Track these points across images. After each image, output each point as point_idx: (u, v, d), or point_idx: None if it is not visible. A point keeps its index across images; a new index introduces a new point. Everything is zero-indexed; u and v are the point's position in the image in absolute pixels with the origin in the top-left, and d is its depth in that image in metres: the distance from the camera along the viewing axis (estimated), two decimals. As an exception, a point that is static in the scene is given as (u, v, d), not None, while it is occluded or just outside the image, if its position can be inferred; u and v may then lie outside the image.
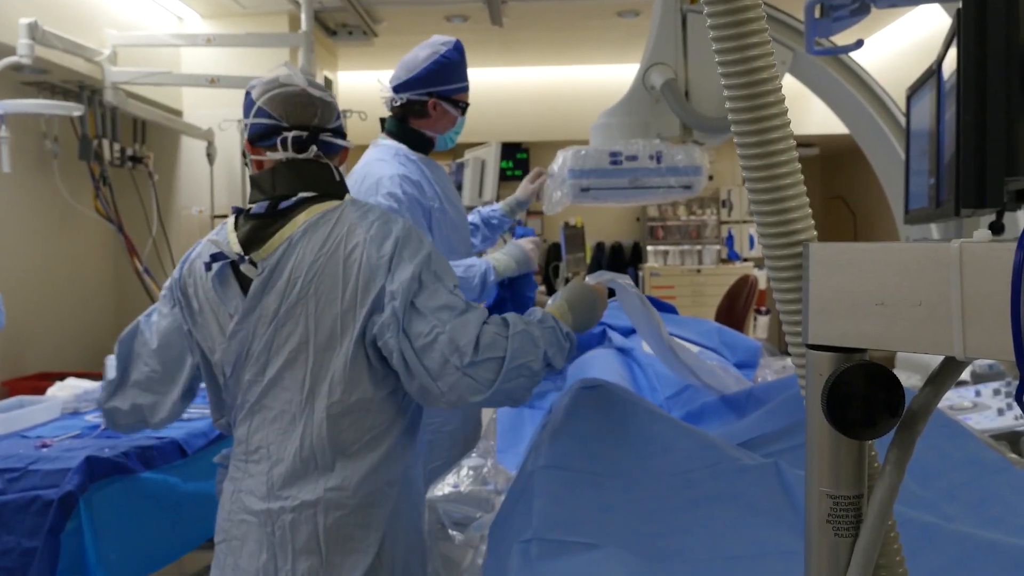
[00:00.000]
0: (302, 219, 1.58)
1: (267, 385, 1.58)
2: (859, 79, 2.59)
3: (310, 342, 1.55)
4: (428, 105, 2.47)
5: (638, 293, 1.89)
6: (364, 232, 1.56)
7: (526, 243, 2.62)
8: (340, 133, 1.70)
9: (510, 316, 1.58)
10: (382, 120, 2.59)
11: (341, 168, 1.72)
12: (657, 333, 1.94)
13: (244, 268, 1.57)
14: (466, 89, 2.54)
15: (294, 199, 1.60)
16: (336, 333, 1.55)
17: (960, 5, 1.34)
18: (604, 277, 1.82)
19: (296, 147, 1.61)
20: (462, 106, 2.52)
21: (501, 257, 2.55)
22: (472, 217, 3.00)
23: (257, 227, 1.59)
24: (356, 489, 1.55)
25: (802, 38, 2.40)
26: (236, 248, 1.59)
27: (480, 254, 3.00)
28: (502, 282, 2.58)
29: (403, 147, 2.50)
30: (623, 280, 1.84)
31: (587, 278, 1.84)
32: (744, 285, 5.88)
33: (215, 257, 1.59)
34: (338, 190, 1.66)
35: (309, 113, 1.64)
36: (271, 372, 1.57)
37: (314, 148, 1.63)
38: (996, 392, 2.39)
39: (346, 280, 1.54)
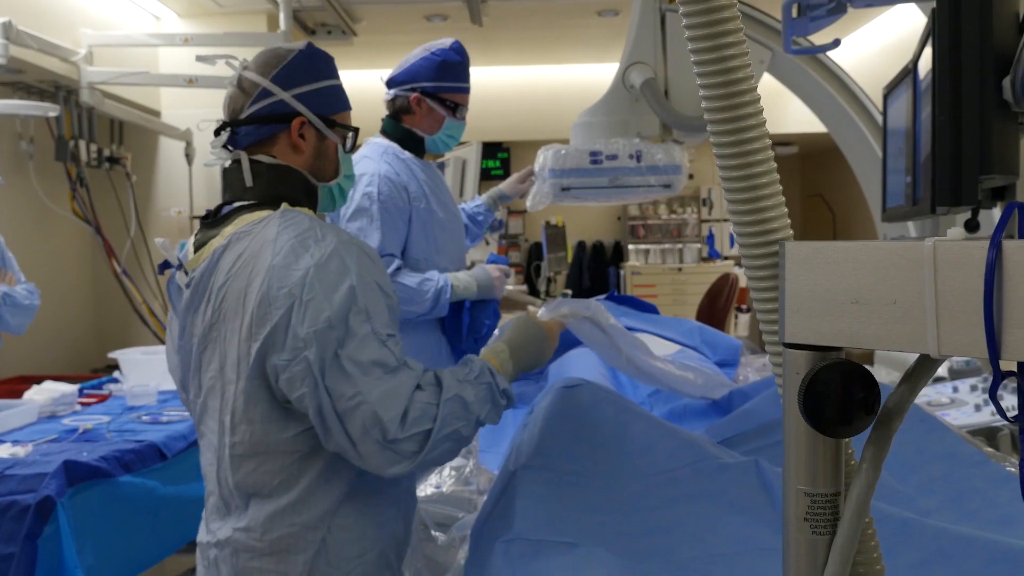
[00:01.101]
0: (229, 230, 1.42)
1: (200, 409, 1.46)
2: (836, 78, 2.61)
3: (222, 371, 1.40)
4: (412, 100, 2.46)
5: (605, 322, 1.76)
6: (271, 255, 1.34)
7: (493, 269, 2.55)
8: (253, 119, 1.46)
9: (445, 376, 1.39)
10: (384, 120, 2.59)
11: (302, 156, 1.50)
12: (621, 358, 1.83)
13: (178, 277, 1.46)
14: (459, 90, 2.48)
15: (232, 206, 1.47)
16: (235, 366, 1.37)
17: (935, 5, 1.35)
18: (562, 310, 1.71)
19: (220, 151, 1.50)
20: (450, 105, 2.47)
21: (463, 277, 2.49)
22: None
23: (203, 233, 1.47)
24: (263, 532, 1.39)
25: (780, 37, 2.42)
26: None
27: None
28: (463, 304, 2.52)
29: (393, 145, 2.49)
30: (586, 311, 1.73)
31: (544, 308, 1.73)
32: (725, 283, 5.90)
33: (166, 263, 1.49)
34: (273, 193, 1.45)
35: (224, 112, 1.51)
36: (202, 396, 1.45)
37: (221, 142, 1.48)
38: (973, 388, 2.41)
39: (245, 308, 1.34)
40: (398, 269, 2.38)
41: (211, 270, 1.40)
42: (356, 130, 1.57)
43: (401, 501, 1.50)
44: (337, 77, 1.55)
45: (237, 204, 1.46)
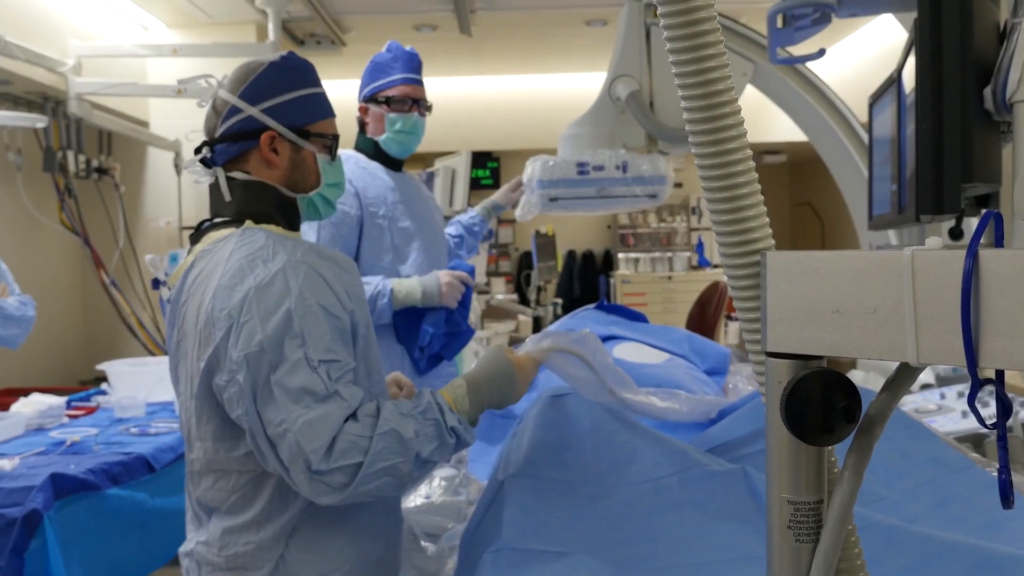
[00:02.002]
0: (199, 248, 1.45)
1: (182, 421, 1.49)
2: (817, 90, 2.66)
3: (185, 388, 1.42)
4: (360, 112, 2.59)
5: (592, 358, 1.66)
6: (220, 275, 1.34)
7: (444, 275, 2.50)
8: (225, 137, 1.47)
9: (386, 408, 1.34)
10: None
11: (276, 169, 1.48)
12: (604, 393, 1.74)
13: (163, 292, 1.51)
14: (394, 84, 2.54)
15: (211, 222, 1.49)
16: (190, 383, 1.40)
17: (917, 16, 1.36)
18: (543, 344, 1.61)
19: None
20: (383, 101, 2.53)
21: (409, 283, 2.46)
22: (455, 228, 3.02)
23: (190, 249, 1.50)
24: (220, 548, 1.41)
25: (763, 51, 2.49)
26: None
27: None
28: (421, 312, 2.50)
29: (357, 154, 2.59)
30: (573, 346, 1.62)
31: (528, 341, 1.64)
32: (714, 291, 5.92)
33: (159, 279, 1.55)
34: (245, 209, 1.46)
35: (204, 131, 1.53)
36: (183, 408, 1.47)
37: (197, 162, 1.50)
38: (960, 394, 2.43)
39: (196, 327, 1.36)
40: None
41: (180, 287, 1.42)
42: (335, 137, 1.54)
43: (374, 521, 1.47)
44: (314, 85, 1.52)
45: (217, 220, 1.48)
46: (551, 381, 2.09)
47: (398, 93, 2.53)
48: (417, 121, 2.56)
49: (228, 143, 1.46)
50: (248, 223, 1.44)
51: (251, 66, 1.48)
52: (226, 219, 1.47)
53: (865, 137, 2.62)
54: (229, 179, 1.47)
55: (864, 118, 2.13)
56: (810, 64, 2.45)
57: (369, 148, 2.60)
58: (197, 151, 1.51)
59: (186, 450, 1.47)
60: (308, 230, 2.38)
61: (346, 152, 2.58)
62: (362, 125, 2.61)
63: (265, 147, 1.46)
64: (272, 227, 1.47)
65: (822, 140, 2.74)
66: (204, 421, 1.39)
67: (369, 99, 2.55)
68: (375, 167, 2.57)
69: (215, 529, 1.41)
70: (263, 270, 1.33)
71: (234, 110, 1.46)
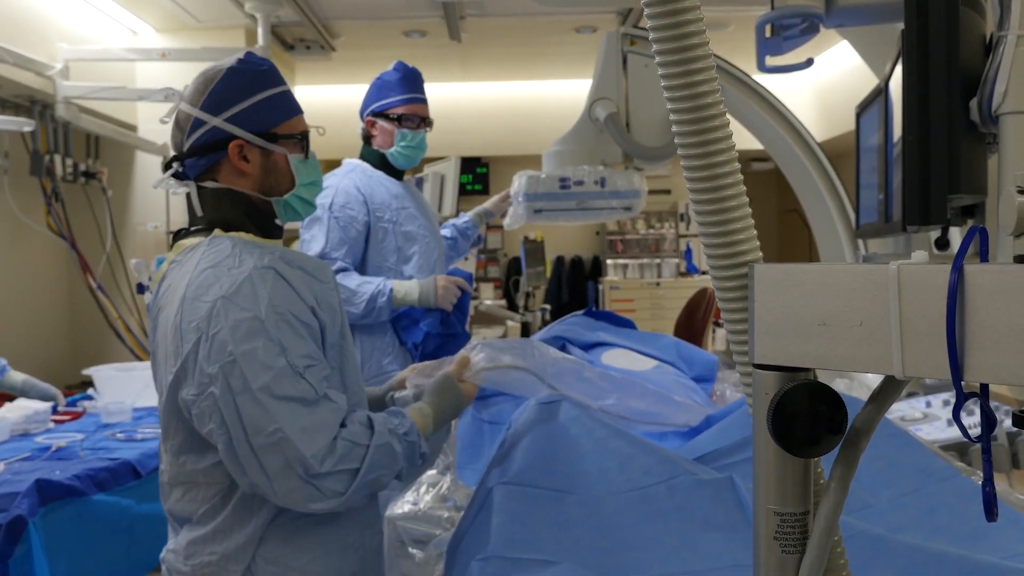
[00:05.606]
0: (171, 257, 1.43)
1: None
2: (776, 110, 2.87)
3: (160, 399, 1.42)
4: (367, 124, 2.76)
5: (530, 361, 1.70)
6: (186, 286, 1.32)
7: (441, 279, 2.66)
8: (193, 151, 1.43)
9: (378, 422, 1.37)
10: None
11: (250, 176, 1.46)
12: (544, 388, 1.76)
13: (146, 298, 1.48)
14: (398, 103, 2.72)
15: (188, 231, 1.47)
16: (161, 395, 1.39)
17: (904, 27, 1.38)
18: (479, 360, 1.65)
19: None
20: (394, 118, 2.70)
21: (407, 284, 2.64)
22: (449, 231, 3.20)
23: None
24: (185, 557, 1.40)
25: (729, 77, 2.72)
26: None
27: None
28: (419, 312, 2.64)
29: (363, 164, 2.77)
30: (506, 359, 1.67)
31: (474, 356, 1.66)
32: (702, 298, 5.93)
33: (143, 284, 1.56)
34: (217, 217, 1.44)
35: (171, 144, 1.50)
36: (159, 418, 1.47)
37: (170, 175, 1.47)
38: (946, 403, 2.44)
39: (165, 339, 1.35)
40: (339, 271, 2.57)
41: (155, 297, 1.42)
42: (305, 134, 1.49)
43: (348, 536, 1.45)
44: (277, 85, 1.46)
45: (193, 229, 1.47)
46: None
47: (407, 111, 2.72)
48: (423, 137, 2.76)
49: (197, 157, 1.44)
50: (217, 232, 1.42)
51: (208, 75, 1.44)
52: (198, 228, 1.46)
53: (822, 156, 2.80)
54: (200, 189, 1.45)
55: (852, 127, 2.15)
56: (800, 71, 2.51)
57: (374, 159, 2.76)
58: (167, 167, 1.48)
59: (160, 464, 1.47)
60: (318, 233, 2.57)
61: (352, 161, 2.77)
62: (367, 137, 2.76)
63: (234, 156, 1.42)
64: (242, 234, 1.44)
65: (784, 159, 2.92)
66: (172, 433, 1.39)
67: (378, 114, 2.72)
68: (380, 175, 2.75)
69: (183, 538, 1.42)
70: (228, 279, 1.31)
71: (198, 123, 1.42)
